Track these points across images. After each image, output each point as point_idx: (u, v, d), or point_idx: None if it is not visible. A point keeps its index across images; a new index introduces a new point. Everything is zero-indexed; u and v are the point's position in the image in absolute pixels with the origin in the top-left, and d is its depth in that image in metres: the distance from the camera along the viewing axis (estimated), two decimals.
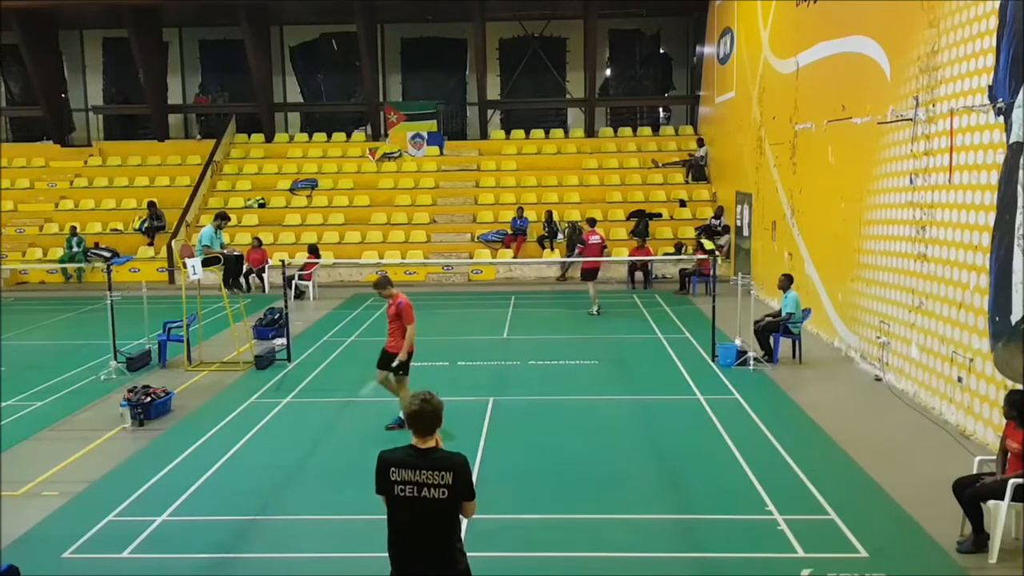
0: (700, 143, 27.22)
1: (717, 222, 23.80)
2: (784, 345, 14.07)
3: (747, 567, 7.18)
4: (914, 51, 11.79)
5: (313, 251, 22.33)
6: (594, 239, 18.73)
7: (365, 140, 29.42)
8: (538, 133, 29.38)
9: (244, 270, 19.61)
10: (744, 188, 21.76)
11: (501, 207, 25.89)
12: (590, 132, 29.03)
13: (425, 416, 4.77)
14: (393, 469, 4.78)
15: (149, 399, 11.31)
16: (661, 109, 31.49)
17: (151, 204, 25.63)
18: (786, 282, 14.28)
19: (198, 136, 30.69)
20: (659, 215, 25.31)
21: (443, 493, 4.71)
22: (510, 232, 24.52)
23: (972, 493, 7.18)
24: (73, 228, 24.97)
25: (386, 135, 28.37)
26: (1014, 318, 9.03)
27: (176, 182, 27.46)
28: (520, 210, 24.70)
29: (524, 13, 29.14)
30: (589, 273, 18.74)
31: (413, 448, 4.82)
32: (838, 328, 14.90)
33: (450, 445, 10.57)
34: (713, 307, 14.07)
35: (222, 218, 15.85)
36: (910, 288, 11.86)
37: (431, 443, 4.81)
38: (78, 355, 15.06)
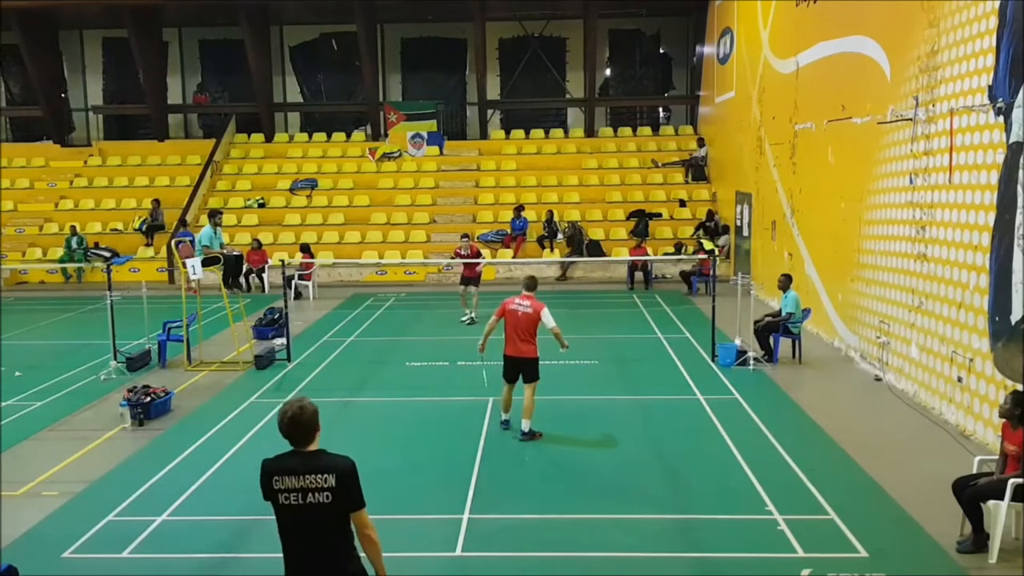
0: (700, 143, 27.22)
1: (711, 223, 23.90)
2: (784, 345, 14.06)
3: (747, 567, 7.17)
4: (914, 51, 11.79)
5: (305, 250, 22.28)
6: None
7: (365, 140, 29.42)
8: (538, 133, 29.38)
9: (244, 270, 19.60)
10: (744, 188, 21.76)
11: (501, 207, 25.88)
12: (590, 132, 29.03)
13: (302, 425, 4.65)
14: (276, 478, 4.62)
15: (149, 399, 11.30)
16: (661, 109, 31.49)
17: (155, 202, 25.62)
18: (786, 282, 14.28)
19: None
20: (659, 215, 25.33)
21: (327, 497, 4.55)
22: (510, 232, 24.52)
23: (972, 493, 7.18)
24: (73, 228, 24.98)
25: (386, 135, 28.36)
26: (1014, 318, 9.03)
27: (176, 182, 27.47)
28: (517, 210, 24.67)
29: (524, 13, 29.14)
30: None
31: (295, 453, 4.69)
32: (838, 328, 14.90)
33: (451, 444, 10.60)
34: (713, 307, 14.06)
35: (216, 214, 15.83)
36: (910, 288, 11.86)
37: (313, 447, 4.70)
38: (78, 355, 15.05)
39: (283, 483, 4.60)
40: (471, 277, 18.05)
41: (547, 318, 10.26)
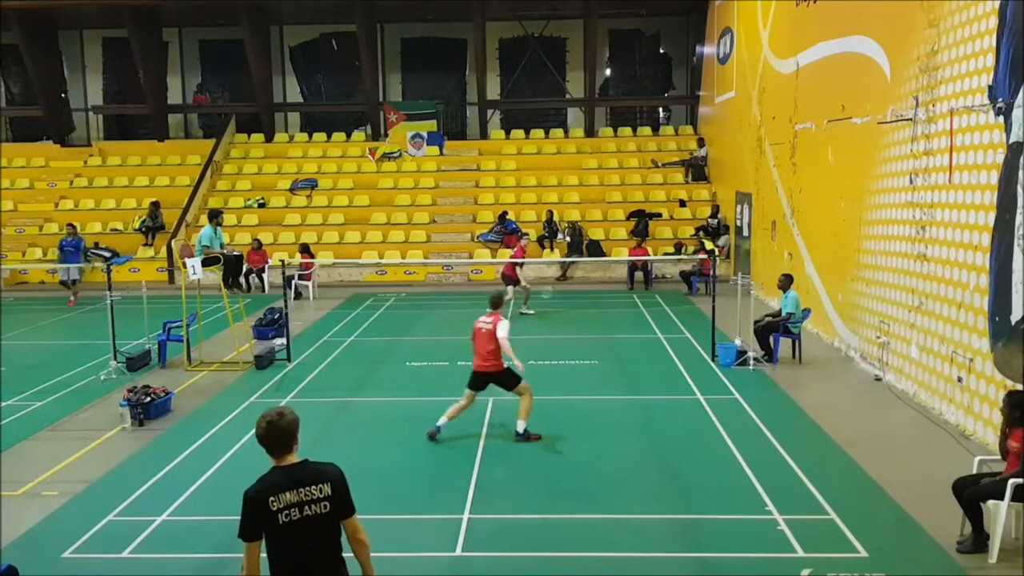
0: (700, 143, 27.23)
1: (714, 220, 23.88)
2: (784, 345, 14.06)
3: (747, 567, 7.17)
4: (914, 51, 11.79)
5: (305, 250, 22.27)
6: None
7: (365, 140, 29.42)
8: (538, 133, 29.39)
9: (244, 270, 19.59)
10: (744, 188, 21.76)
11: (501, 207, 25.89)
12: (590, 132, 29.04)
13: (280, 431, 4.50)
14: (272, 498, 4.44)
15: (149, 399, 11.31)
16: (661, 109, 31.49)
17: (154, 204, 25.60)
18: (786, 282, 14.28)
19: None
20: (659, 215, 25.34)
21: (325, 507, 4.49)
22: (506, 232, 24.53)
23: (972, 493, 7.18)
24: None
25: (386, 135, 28.37)
26: (1014, 318, 9.03)
27: (176, 182, 27.47)
28: (502, 216, 24.81)
29: (524, 13, 29.14)
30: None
31: (280, 469, 4.54)
32: (838, 328, 14.90)
33: (451, 444, 10.60)
34: (713, 307, 14.06)
35: (216, 215, 15.82)
36: (910, 288, 11.86)
37: (293, 458, 4.56)
38: (78, 355, 15.05)
39: (281, 501, 4.44)
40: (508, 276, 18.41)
41: (501, 328, 10.09)
